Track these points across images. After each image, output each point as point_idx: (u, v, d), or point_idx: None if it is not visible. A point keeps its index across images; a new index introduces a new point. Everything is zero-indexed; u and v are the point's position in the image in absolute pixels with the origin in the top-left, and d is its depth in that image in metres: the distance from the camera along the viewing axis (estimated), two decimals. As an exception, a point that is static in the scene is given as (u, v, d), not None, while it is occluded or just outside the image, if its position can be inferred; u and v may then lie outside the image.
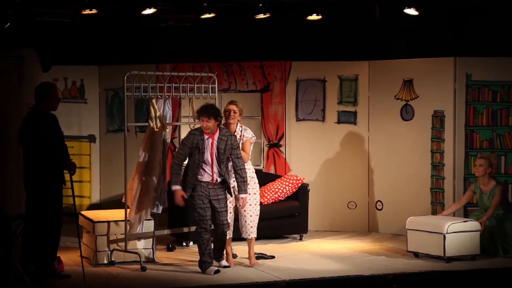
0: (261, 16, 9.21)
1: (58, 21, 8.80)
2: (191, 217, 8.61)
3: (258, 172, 9.86)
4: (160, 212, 8.17)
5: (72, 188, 7.28)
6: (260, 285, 7.21)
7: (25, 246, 7.16)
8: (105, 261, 7.94)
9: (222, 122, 7.81)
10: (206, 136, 7.59)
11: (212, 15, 9.13)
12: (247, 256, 7.99)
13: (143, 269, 7.70)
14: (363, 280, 7.41)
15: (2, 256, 6.60)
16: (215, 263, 7.71)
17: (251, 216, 7.88)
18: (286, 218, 9.25)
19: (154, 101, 8.16)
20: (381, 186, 9.83)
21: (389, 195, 9.75)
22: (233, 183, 7.82)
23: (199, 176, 7.57)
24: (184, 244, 8.93)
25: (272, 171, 9.93)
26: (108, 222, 8.00)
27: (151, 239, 8.08)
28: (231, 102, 7.95)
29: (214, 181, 7.59)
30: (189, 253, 8.41)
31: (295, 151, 9.98)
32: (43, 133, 7.12)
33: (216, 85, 8.61)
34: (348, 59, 9.95)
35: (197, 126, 8.91)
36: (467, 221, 8.24)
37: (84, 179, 10.34)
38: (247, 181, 7.72)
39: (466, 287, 7.58)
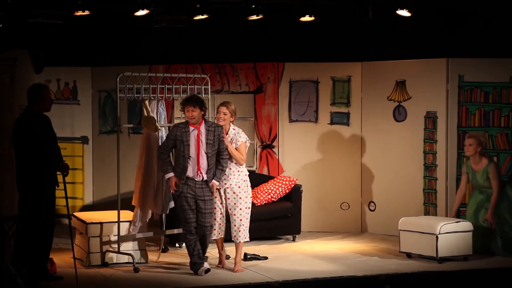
0: (254, 17, 9.21)
1: (50, 22, 8.79)
2: (182, 219, 8.62)
3: (251, 173, 9.88)
4: (167, 212, 8.15)
5: (65, 189, 7.27)
6: (253, 286, 7.21)
7: (17, 248, 7.14)
8: (98, 263, 7.93)
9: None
10: (191, 128, 7.53)
11: (205, 16, 9.14)
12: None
13: (136, 270, 7.70)
14: (356, 280, 7.42)
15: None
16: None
17: (240, 220, 7.78)
18: (279, 219, 9.26)
19: (147, 102, 8.16)
20: (374, 187, 9.85)
21: (382, 196, 9.77)
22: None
23: (187, 172, 7.49)
24: (177, 245, 8.92)
25: (265, 172, 9.94)
26: (101, 223, 7.99)
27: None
28: (222, 104, 7.89)
29: (199, 177, 7.49)
30: (182, 254, 8.40)
31: (288, 152, 10.00)
32: (36, 134, 7.11)
33: (209, 87, 8.61)
34: (341, 60, 9.97)
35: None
36: (459, 221, 8.26)
37: (77, 181, 10.33)
38: (225, 171, 7.63)
39: (459, 287, 7.61)
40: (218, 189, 7.77)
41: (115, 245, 7.94)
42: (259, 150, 9.99)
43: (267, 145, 10.00)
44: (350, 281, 7.40)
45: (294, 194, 9.39)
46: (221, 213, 7.84)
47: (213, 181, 7.59)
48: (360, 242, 9.28)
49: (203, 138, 7.51)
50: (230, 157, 7.74)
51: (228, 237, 8.00)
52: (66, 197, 7.31)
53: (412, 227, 8.26)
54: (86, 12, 8.66)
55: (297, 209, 9.36)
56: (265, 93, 9.99)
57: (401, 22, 9.50)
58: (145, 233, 8.05)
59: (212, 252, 8.50)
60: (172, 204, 8.11)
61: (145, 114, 8.23)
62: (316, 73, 9.98)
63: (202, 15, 9.11)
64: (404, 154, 9.61)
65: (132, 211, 8.28)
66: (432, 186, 9.43)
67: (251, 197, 7.92)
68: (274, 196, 9.36)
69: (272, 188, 9.37)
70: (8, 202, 7.99)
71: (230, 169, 7.77)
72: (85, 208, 10.23)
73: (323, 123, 10.00)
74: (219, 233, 7.86)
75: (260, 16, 9.22)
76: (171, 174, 7.57)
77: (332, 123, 9.99)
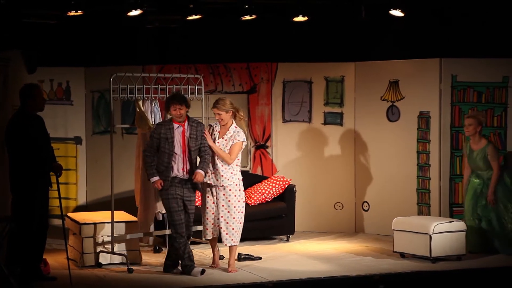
0: (247, 17, 9.21)
1: (43, 22, 8.77)
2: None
3: (244, 174, 9.89)
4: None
5: (58, 190, 7.26)
6: (247, 286, 7.21)
7: (11, 248, 7.13)
8: (92, 263, 7.92)
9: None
10: (176, 125, 7.50)
11: (198, 16, 9.13)
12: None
13: (130, 271, 7.69)
14: (349, 280, 7.43)
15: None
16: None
17: (227, 223, 7.67)
18: (273, 219, 9.26)
19: (140, 102, 8.15)
20: (368, 187, 9.86)
21: (375, 196, 9.78)
22: (209, 180, 7.72)
23: (172, 170, 7.45)
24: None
25: (258, 172, 9.94)
26: (95, 224, 7.98)
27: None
28: (214, 106, 7.71)
29: (185, 175, 7.46)
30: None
31: (282, 152, 10.00)
32: (29, 135, 7.10)
33: (203, 87, 8.61)
34: (334, 60, 9.98)
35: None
36: (452, 221, 8.28)
37: (71, 181, 10.30)
38: (209, 163, 7.57)
39: (452, 287, 7.62)
40: (210, 187, 7.74)
41: (109, 246, 7.93)
42: (252, 150, 9.99)
43: (260, 145, 10.00)
44: (344, 281, 7.41)
45: (287, 194, 9.39)
46: (213, 213, 7.81)
47: (198, 170, 7.50)
48: (353, 242, 9.29)
49: (187, 134, 7.52)
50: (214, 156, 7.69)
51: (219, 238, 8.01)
52: (60, 198, 7.30)
53: (406, 227, 8.27)
54: (79, 12, 8.65)
55: (291, 209, 9.36)
56: (259, 93, 9.99)
57: (394, 22, 9.52)
58: (136, 233, 8.04)
59: (206, 252, 8.50)
60: None
61: (139, 114, 8.22)
62: (310, 73, 9.98)
63: (196, 15, 9.11)
64: (398, 154, 9.62)
65: (128, 212, 8.29)
66: (426, 186, 9.44)
67: (244, 201, 7.79)
68: (268, 196, 9.37)
69: (265, 188, 9.37)
70: (1, 203, 7.97)
71: (223, 165, 7.67)
72: (79, 208, 10.20)
73: (316, 123, 10.00)
74: (213, 234, 7.84)
75: (253, 16, 9.22)
76: (157, 178, 7.49)
77: (325, 123, 10.00)
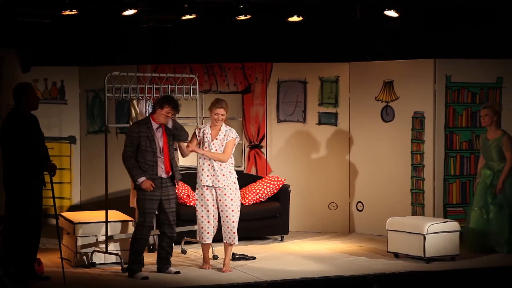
0: (242, 17, 9.22)
1: (38, 21, 8.76)
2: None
3: (239, 174, 9.88)
4: None
5: (52, 189, 7.24)
6: (241, 286, 7.21)
7: (5, 248, 7.11)
8: (86, 263, 7.91)
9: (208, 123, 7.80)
10: (155, 125, 7.46)
11: (193, 16, 9.13)
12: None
13: (124, 270, 7.67)
14: (343, 280, 7.44)
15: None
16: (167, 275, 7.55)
17: (233, 222, 7.72)
18: (267, 219, 9.26)
19: (135, 102, 8.15)
20: (362, 187, 9.87)
21: (370, 196, 9.80)
22: (209, 180, 7.72)
23: (157, 169, 7.40)
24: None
25: (253, 172, 9.94)
26: (89, 223, 7.97)
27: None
28: (220, 105, 7.72)
29: (167, 173, 7.43)
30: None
31: (276, 152, 10.00)
32: (24, 134, 7.09)
33: (197, 86, 8.61)
34: (329, 61, 9.99)
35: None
36: (446, 221, 8.29)
37: (65, 181, 10.29)
38: (186, 139, 7.65)
39: (446, 287, 7.63)
40: (209, 189, 7.72)
41: (103, 245, 7.92)
42: (247, 150, 9.99)
43: (255, 145, 10.00)
44: (337, 281, 7.41)
45: (282, 194, 9.40)
46: (214, 216, 7.80)
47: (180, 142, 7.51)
48: (347, 242, 9.30)
49: (167, 136, 7.48)
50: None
51: (216, 238, 8.00)
52: (54, 197, 7.29)
53: (400, 227, 8.28)
54: (74, 12, 8.64)
55: (285, 209, 9.36)
56: (253, 93, 10.00)
57: (389, 23, 9.53)
58: (131, 233, 8.02)
59: (200, 252, 8.51)
60: None
61: (133, 114, 8.22)
62: (304, 73, 9.99)
63: (190, 14, 9.11)
64: (392, 155, 9.64)
65: (122, 211, 8.28)
66: (420, 186, 9.46)
67: (240, 201, 7.85)
68: (262, 196, 9.37)
69: (260, 188, 9.38)
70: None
71: (220, 165, 7.71)
72: (73, 208, 10.19)
73: (311, 123, 10.01)
74: (212, 237, 7.84)
75: (248, 16, 9.22)
76: (144, 178, 7.40)
77: (320, 123, 10.01)
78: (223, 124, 7.80)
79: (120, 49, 10.17)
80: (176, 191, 8.89)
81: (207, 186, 7.74)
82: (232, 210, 7.73)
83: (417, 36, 9.90)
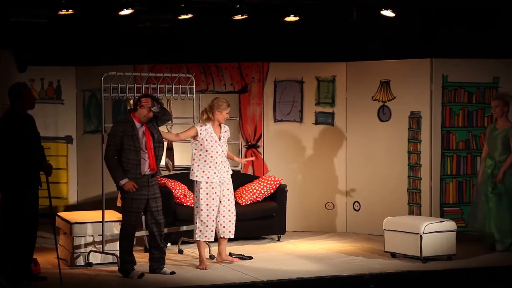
0: (239, 17, 9.22)
1: (34, 21, 8.75)
2: (166, 218, 8.61)
3: (236, 173, 9.88)
4: None
5: (48, 189, 7.24)
6: (238, 285, 7.21)
7: (1, 248, 7.10)
8: (82, 263, 7.90)
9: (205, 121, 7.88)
10: (138, 124, 7.42)
11: (189, 16, 9.13)
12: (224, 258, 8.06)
13: (119, 270, 7.66)
14: (340, 280, 7.44)
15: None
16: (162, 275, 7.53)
17: (235, 215, 7.96)
18: (264, 219, 9.26)
19: (131, 102, 8.14)
20: (359, 186, 9.87)
21: (367, 196, 9.80)
22: (216, 178, 7.80)
23: (142, 167, 7.37)
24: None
25: (250, 172, 9.94)
26: (85, 223, 7.96)
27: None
28: (228, 104, 7.88)
29: (152, 170, 7.40)
30: (166, 254, 8.36)
31: (273, 152, 10.00)
32: (21, 134, 7.08)
33: (194, 86, 8.61)
34: (325, 60, 9.99)
35: (174, 127, 8.91)
36: (443, 221, 8.30)
37: (61, 180, 10.28)
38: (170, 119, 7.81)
39: (443, 287, 7.64)
40: (214, 187, 7.80)
41: (100, 245, 7.92)
42: (244, 150, 9.98)
43: (252, 145, 10.00)
44: (334, 281, 7.42)
45: (279, 194, 9.40)
46: (217, 212, 7.89)
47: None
48: (344, 241, 9.30)
49: (150, 133, 7.46)
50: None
51: (217, 236, 8.00)
52: (50, 197, 7.28)
53: (397, 227, 8.29)
54: (70, 11, 8.64)
55: (282, 209, 9.36)
56: (250, 93, 10.00)
57: (386, 23, 9.54)
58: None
59: (197, 252, 8.51)
60: None
61: (130, 113, 8.19)
62: (301, 73, 9.99)
63: (187, 14, 9.11)
64: (389, 154, 9.64)
65: (119, 211, 8.25)
66: (416, 186, 9.47)
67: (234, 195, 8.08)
68: (259, 196, 9.37)
69: (257, 188, 9.37)
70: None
71: (223, 162, 7.90)
72: (69, 208, 10.18)
73: (308, 123, 10.01)
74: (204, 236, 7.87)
75: (244, 16, 9.22)
76: (126, 180, 7.34)
77: (316, 123, 10.01)
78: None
79: (116, 49, 10.16)
80: (173, 190, 8.91)
81: (214, 183, 7.80)
82: (232, 203, 7.94)
83: (414, 36, 9.91)
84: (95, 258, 7.93)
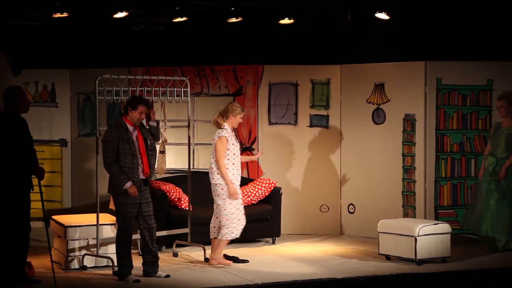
0: (233, 20, 9.22)
1: (29, 24, 8.74)
2: (161, 221, 8.61)
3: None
4: None
5: (40, 193, 7.21)
6: (233, 288, 7.21)
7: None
8: (77, 266, 7.89)
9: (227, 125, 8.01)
10: (131, 127, 7.41)
11: (184, 18, 9.13)
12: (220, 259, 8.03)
13: (115, 274, 7.65)
14: (335, 283, 7.44)
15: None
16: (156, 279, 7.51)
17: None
18: (259, 222, 9.25)
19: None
20: (353, 189, 9.88)
21: (361, 198, 9.81)
22: (239, 179, 8.00)
23: (138, 170, 7.38)
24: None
25: (244, 174, 9.93)
26: (80, 226, 7.94)
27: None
28: (243, 109, 8.08)
29: (146, 174, 7.41)
30: (161, 257, 8.36)
31: (268, 154, 9.99)
32: (15, 137, 7.06)
33: (189, 89, 8.61)
34: (320, 63, 10.00)
35: (168, 130, 8.91)
36: (437, 223, 8.31)
37: (56, 184, 10.26)
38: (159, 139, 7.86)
39: (437, 289, 7.66)
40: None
41: (94, 249, 7.90)
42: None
43: (246, 148, 10.00)
44: (329, 283, 7.42)
45: (273, 197, 9.39)
46: (243, 213, 8.10)
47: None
48: (339, 244, 9.30)
49: (142, 137, 7.46)
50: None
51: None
52: (42, 200, 7.26)
53: (391, 229, 8.29)
54: (65, 14, 8.63)
55: (277, 211, 9.36)
56: (245, 95, 10.00)
57: (380, 25, 9.55)
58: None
59: (192, 255, 8.50)
60: None
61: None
62: (296, 76, 10.00)
63: (181, 17, 9.10)
64: (383, 157, 9.65)
65: (113, 215, 8.24)
66: (411, 189, 9.48)
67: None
68: (254, 199, 9.36)
69: (251, 190, 9.37)
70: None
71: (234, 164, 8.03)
72: (64, 211, 10.16)
73: (302, 125, 10.02)
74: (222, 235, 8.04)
75: (239, 19, 9.22)
76: (131, 183, 7.33)
77: (311, 125, 10.01)
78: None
79: (111, 51, 10.15)
80: (167, 193, 8.90)
81: (237, 185, 8.03)
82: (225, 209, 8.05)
83: (408, 39, 9.92)
84: (89, 261, 7.92)
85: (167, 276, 7.52)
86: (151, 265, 7.54)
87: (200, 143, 10.07)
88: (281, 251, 8.91)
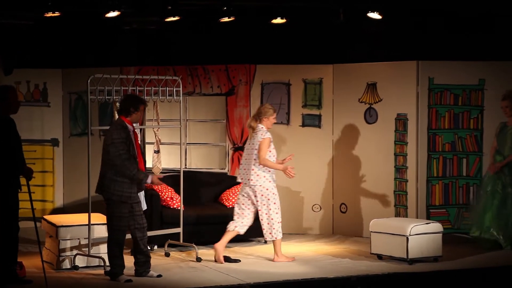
0: (226, 19, 9.22)
1: (20, 23, 8.72)
2: (153, 221, 8.61)
3: (222, 176, 9.88)
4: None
5: (29, 193, 7.19)
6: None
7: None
8: (68, 266, 7.87)
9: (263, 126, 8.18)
10: (131, 128, 7.39)
11: (176, 18, 9.12)
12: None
13: (107, 273, 7.64)
14: (327, 282, 7.45)
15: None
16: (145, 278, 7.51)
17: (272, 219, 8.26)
18: (251, 221, 9.24)
19: (118, 104, 8.11)
20: (345, 188, 9.89)
21: (353, 198, 9.82)
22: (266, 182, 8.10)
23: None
24: (149, 247, 8.86)
25: (237, 174, 9.93)
26: (72, 226, 7.93)
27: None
28: (275, 110, 8.26)
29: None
30: (153, 257, 8.35)
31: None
32: (4, 137, 7.04)
33: (181, 89, 8.59)
34: (312, 63, 10.00)
35: (161, 130, 8.90)
36: (429, 223, 8.32)
37: (47, 183, 10.24)
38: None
39: (429, 288, 7.68)
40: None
41: (86, 249, 7.89)
42: (230, 152, 9.98)
43: (239, 147, 10.00)
44: (321, 283, 7.42)
45: (266, 196, 9.37)
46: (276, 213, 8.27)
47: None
48: (331, 243, 9.31)
49: (137, 137, 7.48)
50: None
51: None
52: (31, 200, 7.23)
53: (383, 229, 8.30)
54: (56, 14, 8.61)
55: (269, 211, 9.34)
56: (237, 95, 9.99)
57: (372, 25, 9.56)
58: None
59: (183, 255, 8.49)
60: (145, 206, 8.08)
61: (116, 116, 8.16)
62: (288, 75, 10.00)
63: (174, 16, 9.10)
64: (375, 156, 9.66)
65: (105, 214, 8.22)
66: (403, 188, 9.49)
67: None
68: (246, 198, 9.34)
69: (244, 190, 9.36)
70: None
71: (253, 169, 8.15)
72: (56, 211, 10.14)
73: (294, 125, 10.02)
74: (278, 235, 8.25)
75: (231, 18, 9.22)
76: (151, 176, 7.40)
77: (303, 125, 10.02)
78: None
79: (103, 51, 10.14)
80: (160, 193, 8.89)
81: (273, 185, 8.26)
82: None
83: (400, 38, 9.94)
84: (81, 261, 7.90)
85: (159, 276, 7.51)
86: (143, 265, 7.53)
87: (193, 143, 10.07)
88: (273, 250, 8.90)
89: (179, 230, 8.52)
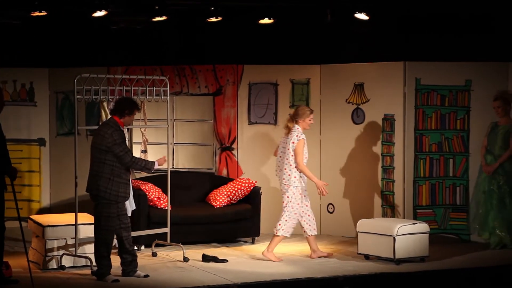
0: (213, 19, 9.21)
1: (6, 22, 8.68)
2: (140, 221, 8.60)
3: (210, 175, 9.87)
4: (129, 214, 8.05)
5: (13, 192, 7.15)
6: (212, 288, 7.21)
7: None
8: (55, 266, 7.84)
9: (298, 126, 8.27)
10: (124, 129, 7.48)
11: (163, 18, 9.11)
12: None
13: (93, 273, 7.62)
14: (314, 282, 7.46)
15: None
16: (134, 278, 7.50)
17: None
18: (238, 222, 9.25)
19: (105, 104, 8.10)
20: (333, 189, 9.88)
21: (340, 198, 9.83)
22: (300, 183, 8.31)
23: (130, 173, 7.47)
24: (136, 248, 8.85)
25: (224, 174, 9.93)
26: (58, 226, 7.90)
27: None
28: (312, 111, 8.38)
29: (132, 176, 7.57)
30: (140, 257, 8.34)
31: (248, 154, 10.00)
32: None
33: (168, 88, 8.58)
34: (300, 63, 10.02)
35: (148, 130, 8.89)
36: (416, 223, 8.35)
37: (34, 183, 10.20)
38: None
39: (416, 288, 7.70)
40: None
41: (72, 248, 7.86)
42: (218, 152, 9.97)
43: (226, 147, 10.00)
44: (308, 283, 7.43)
45: (253, 196, 9.40)
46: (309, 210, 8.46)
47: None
48: (318, 244, 9.28)
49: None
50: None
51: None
52: (16, 200, 7.19)
53: (370, 229, 8.32)
54: (43, 13, 8.58)
55: (257, 211, 9.36)
56: (225, 95, 9.99)
57: (360, 26, 9.59)
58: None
59: (171, 254, 8.47)
60: (134, 206, 8.05)
61: (103, 116, 8.16)
62: (275, 76, 10.01)
63: (161, 16, 9.09)
64: (362, 157, 9.69)
65: (92, 214, 8.20)
66: (390, 188, 9.52)
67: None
68: (234, 199, 9.36)
69: (231, 190, 9.37)
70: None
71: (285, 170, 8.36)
72: (42, 211, 10.10)
73: (282, 125, 9.99)
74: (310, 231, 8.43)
75: (219, 18, 9.22)
76: (157, 160, 7.60)
77: (291, 125, 10.01)
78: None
79: (90, 50, 10.11)
80: (147, 193, 8.88)
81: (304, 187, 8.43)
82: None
83: (387, 39, 9.97)
84: (67, 261, 7.87)
85: (146, 275, 7.49)
86: (129, 264, 7.51)
87: (180, 143, 10.06)
88: (260, 250, 8.89)
89: (167, 230, 8.51)
